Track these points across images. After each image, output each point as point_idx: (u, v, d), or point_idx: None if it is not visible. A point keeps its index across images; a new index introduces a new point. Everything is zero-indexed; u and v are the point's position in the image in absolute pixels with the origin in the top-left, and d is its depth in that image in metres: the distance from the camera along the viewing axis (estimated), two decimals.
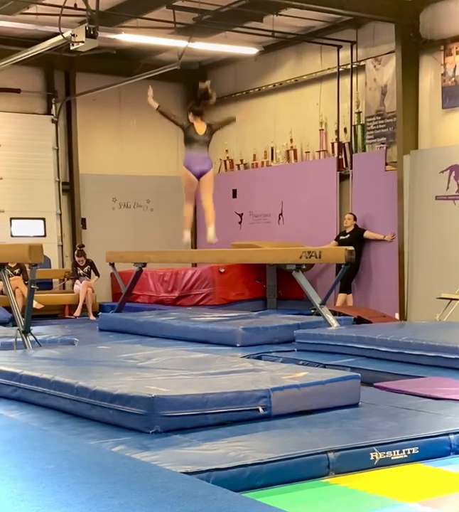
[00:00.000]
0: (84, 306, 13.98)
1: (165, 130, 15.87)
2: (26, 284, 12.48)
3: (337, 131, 13.96)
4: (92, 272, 14.31)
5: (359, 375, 5.58)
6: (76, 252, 14.38)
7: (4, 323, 11.26)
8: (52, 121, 15.54)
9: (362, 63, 13.48)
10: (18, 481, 3.16)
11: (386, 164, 12.96)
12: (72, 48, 10.96)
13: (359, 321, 10.69)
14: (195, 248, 16.70)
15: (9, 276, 8.74)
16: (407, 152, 12.29)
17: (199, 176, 10.03)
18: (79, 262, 14.23)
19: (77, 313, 13.89)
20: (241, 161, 16.01)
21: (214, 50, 14.22)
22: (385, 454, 4.28)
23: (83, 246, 14.51)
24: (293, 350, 8.31)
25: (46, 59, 14.37)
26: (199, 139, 9.93)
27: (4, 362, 6.24)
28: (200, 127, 9.96)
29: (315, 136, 14.45)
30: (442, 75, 12.03)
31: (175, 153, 16.29)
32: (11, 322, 11.23)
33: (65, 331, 10.89)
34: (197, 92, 9.87)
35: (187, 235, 10.23)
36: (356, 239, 12.73)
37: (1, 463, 3.49)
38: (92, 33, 10.49)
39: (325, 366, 7.16)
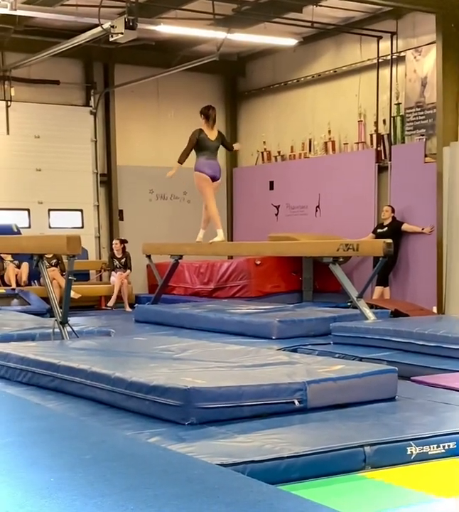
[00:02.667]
0: (119, 298, 14.05)
1: None
2: (63, 275, 12.62)
3: (376, 123, 13.87)
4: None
5: (396, 368, 5.53)
6: (115, 244, 14.41)
7: (42, 314, 11.36)
8: (91, 112, 15.63)
9: (402, 54, 13.37)
10: (55, 471, 3.18)
11: (426, 156, 12.84)
12: (111, 39, 11.02)
13: (396, 314, 10.62)
14: (231, 240, 16.70)
15: (46, 268, 8.78)
16: (447, 144, 12.16)
17: (215, 178, 10.38)
18: (117, 253, 14.31)
19: (111, 303, 13.96)
20: (279, 152, 15.97)
21: (253, 41, 14.18)
22: (422, 449, 4.24)
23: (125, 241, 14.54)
24: (329, 343, 8.27)
25: (85, 50, 14.44)
26: (211, 146, 10.31)
27: (42, 352, 6.29)
28: (212, 133, 10.26)
29: (354, 128, 14.36)
30: None
31: None
32: (49, 313, 11.33)
33: (101, 322, 10.96)
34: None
35: (220, 233, 10.54)
36: (394, 231, 12.64)
37: (39, 452, 3.51)
38: (131, 24, 10.53)
39: (361, 359, 7.11)
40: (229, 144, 11.21)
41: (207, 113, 10.34)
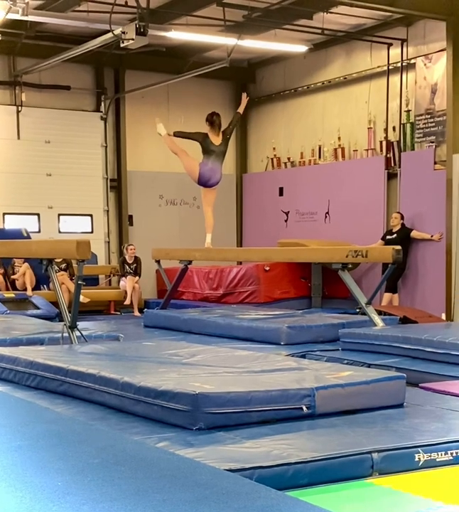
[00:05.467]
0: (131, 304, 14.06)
1: None
2: (72, 280, 12.64)
3: (386, 130, 13.87)
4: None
5: (405, 375, 5.53)
6: (131, 249, 14.39)
7: (51, 318, 11.39)
8: (101, 118, 15.67)
9: (412, 61, 13.38)
10: (63, 475, 3.18)
11: (435, 163, 12.83)
12: (122, 45, 11.05)
13: (404, 321, 10.61)
14: (241, 246, 16.72)
15: (56, 272, 8.82)
16: (457, 151, 12.14)
17: (205, 185, 10.49)
18: (129, 258, 14.30)
19: (128, 301, 13.96)
20: (289, 159, 15.98)
21: (264, 47, 14.20)
22: (430, 456, 4.24)
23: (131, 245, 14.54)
24: (338, 350, 8.27)
25: (96, 56, 14.50)
26: (216, 150, 10.46)
27: (51, 357, 6.30)
28: (216, 138, 10.42)
29: (364, 135, 14.36)
30: None
31: None
32: (57, 317, 11.36)
33: (110, 326, 10.97)
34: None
35: (207, 238, 10.79)
36: (403, 238, 12.64)
37: (47, 456, 3.52)
38: (142, 30, 10.56)
39: (369, 366, 7.12)
40: (232, 119, 10.98)
41: (212, 119, 10.47)
